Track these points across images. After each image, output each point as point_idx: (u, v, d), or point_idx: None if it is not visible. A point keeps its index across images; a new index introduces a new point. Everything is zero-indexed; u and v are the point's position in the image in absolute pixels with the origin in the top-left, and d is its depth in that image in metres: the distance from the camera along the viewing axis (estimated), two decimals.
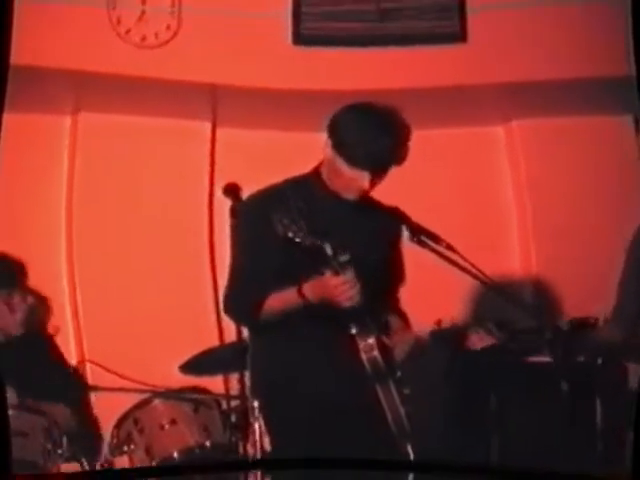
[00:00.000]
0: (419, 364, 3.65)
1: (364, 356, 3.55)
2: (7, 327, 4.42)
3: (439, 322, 4.75)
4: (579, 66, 4.87)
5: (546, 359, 4.39)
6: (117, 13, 4.74)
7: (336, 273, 3.46)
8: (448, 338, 4.72)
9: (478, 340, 4.63)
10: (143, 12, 4.77)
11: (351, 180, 3.54)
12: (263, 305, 3.56)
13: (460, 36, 4.92)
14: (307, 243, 3.43)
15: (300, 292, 3.52)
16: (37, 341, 4.60)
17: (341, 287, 3.47)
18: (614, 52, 4.62)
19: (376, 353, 3.55)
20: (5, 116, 4.81)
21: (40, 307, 4.85)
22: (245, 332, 3.70)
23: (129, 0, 4.77)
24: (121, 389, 4.58)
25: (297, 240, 3.42)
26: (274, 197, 3.55)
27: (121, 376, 4.59)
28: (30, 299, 4.56)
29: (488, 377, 4.64)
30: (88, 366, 4.79)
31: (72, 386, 4.60)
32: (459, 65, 4.91)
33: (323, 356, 3.58)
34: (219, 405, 4.57)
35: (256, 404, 3.66)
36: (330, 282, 3.47)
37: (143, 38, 4.77)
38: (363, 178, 3.52)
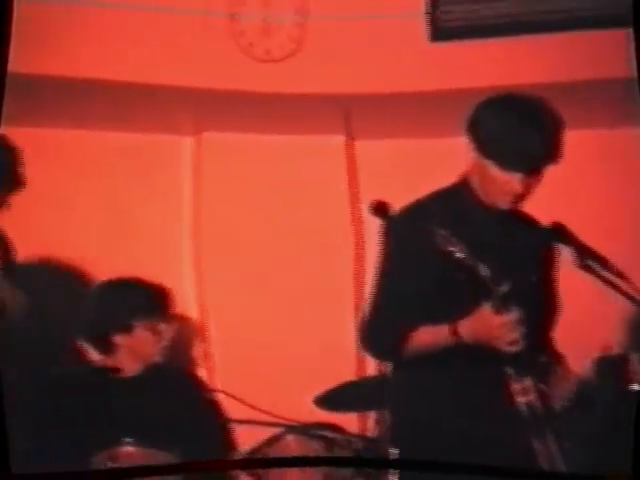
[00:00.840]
0: (579, 413, 3.26)
1: (520, 400, 3.16)
2: (149, 355, 4.24)
3: (609, 348, 4.21)
4: None
5: None
6: (240, 25, 4.49)
7: (497, 310, 3.08)
8: (616, 368, 4.12)
9: None
10: (267, 23, 4.51)
11: (503, 185, 3.16)
12: (408, 339, 3.20)
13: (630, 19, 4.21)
14: (467, 260, 3.08)
15: (455, 331, 3.15)
16: (177, 371, 4.42)
17: (503, 329, 3.10)
18: None
19: (533, 398, 3.16)
20: (123, 136, 4.73)
21: (185, 336, 4.69)
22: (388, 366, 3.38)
23: (252, 10, 4.52)
24: (253, 422, 4.36)
25: (458, 255, 3.07)
26: (423, 212, 3.22)
27: (254, 408, 4.36)
28: (175, 327, 4.37)
29: None
30: (220, 397, 4.51)
31: (210, 419, 4.36)
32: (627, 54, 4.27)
33: (474, 400, 3.20)
34: (352, 446, 4.24)
35: (394, 451, 3.32)
36: (491, 322, 3.10)
37: (267, 51, 4.52)
38: (516, 181, 3.15)
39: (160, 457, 3.92)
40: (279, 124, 4.74)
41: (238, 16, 4.51)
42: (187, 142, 4.91)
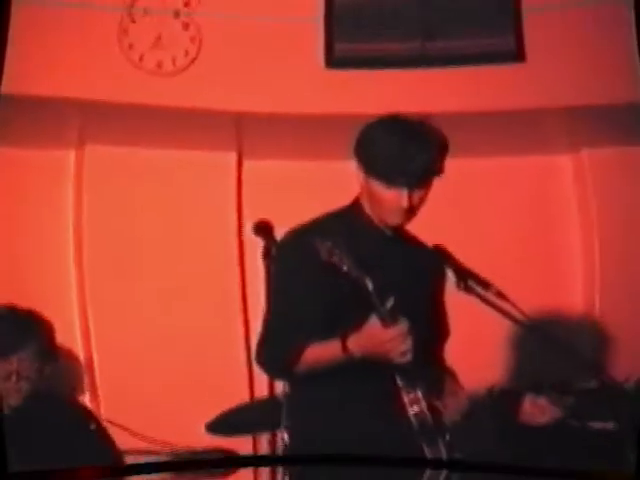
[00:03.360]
0: (471, 427, 3.30)
1: (411, 411, 3.19)
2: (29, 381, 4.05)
3: (491, 389, 4.07)
4: None
5: (609, 425, 4.01)
6: (129, 38, 4.38)
7: (386, 324, 3.10)
8: (500, 405, 4.14)
9: (537, 410, 4.06)
10: (159, 37, 4.41)
11: (390, 202, 3.23)
12: (301, 356, 3.19)
13: (517, 55, 4.50)
14: (352, 274, 3.10)
15: (345, 347, 3.15)
16: (61, 401, 4.23)
17: (392, 342, 3.11)
18: None
19: (423, 408, 3.19)
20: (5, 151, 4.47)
21: (70, 366, 4.54)
22: (279, 387, 3.40)
23: (142, 24, 4.42)
24: (143, 452, 4.26)
25: (342, 268, 3.09)
26: (314, 232, 3.22)
27: (141, 436, 4.28)
28: (55, 358, 4.16)
29: (544, 443, 4.16)
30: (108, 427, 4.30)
31: (96, 448, 4.17)
32: (515, 87, 4.49)
33: (367, 413, 3.21)
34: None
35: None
36: (380, 336, 3.11)
37: (159, 64, 4.41)
38: (402, 197, 3.22)
39: None
40: (169, 139, 4.63)
41: (128, 27, 4.39)
42: (70, 156, 4.71)
